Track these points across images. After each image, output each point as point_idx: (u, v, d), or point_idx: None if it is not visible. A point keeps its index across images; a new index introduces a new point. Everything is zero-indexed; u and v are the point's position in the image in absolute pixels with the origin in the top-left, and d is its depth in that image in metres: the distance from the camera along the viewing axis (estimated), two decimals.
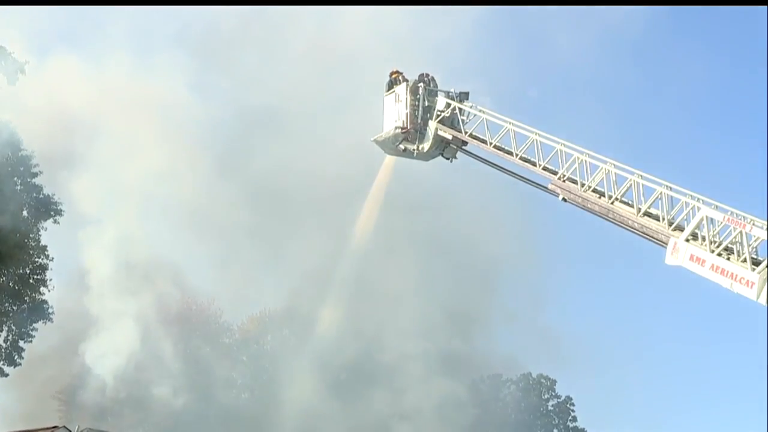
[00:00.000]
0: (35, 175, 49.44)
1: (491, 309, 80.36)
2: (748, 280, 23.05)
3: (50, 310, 49.90)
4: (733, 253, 23.79)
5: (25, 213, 49.16)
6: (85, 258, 54.40)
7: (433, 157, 34.09)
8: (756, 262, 23.10)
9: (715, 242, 24.25)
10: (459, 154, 33.66)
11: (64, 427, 34.63)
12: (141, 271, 51.69)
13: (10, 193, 47.36)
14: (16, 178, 48.67)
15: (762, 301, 22.47)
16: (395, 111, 33.51)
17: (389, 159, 36.22)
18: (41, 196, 49.64)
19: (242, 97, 62.45)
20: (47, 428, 33.49)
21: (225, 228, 57.67)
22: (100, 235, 53.50)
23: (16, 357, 49.61)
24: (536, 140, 29.42)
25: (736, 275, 23.41)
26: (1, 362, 49.34)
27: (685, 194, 25.48)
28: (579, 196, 28.00)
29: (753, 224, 23.50)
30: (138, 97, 56.48)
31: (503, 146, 30.65)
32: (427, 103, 33.21)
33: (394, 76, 34.12)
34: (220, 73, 61.82)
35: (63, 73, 54.65)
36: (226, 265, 58.41)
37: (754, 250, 23.42)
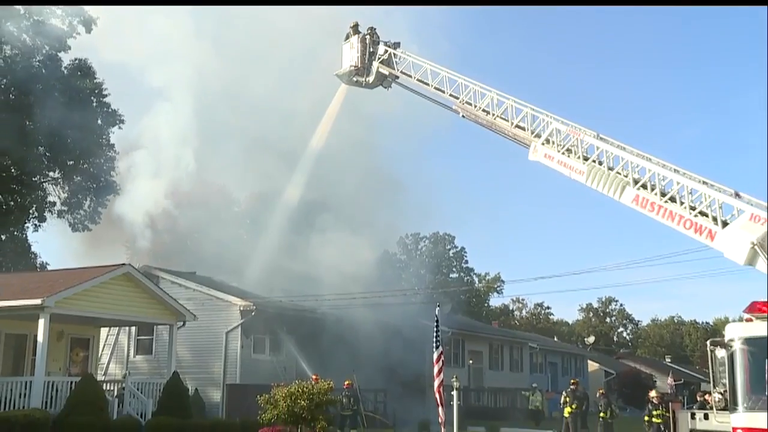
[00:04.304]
0: (105, 95, 50.14)
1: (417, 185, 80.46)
2: (580, 170, 23.81)
3: (118, 188, 50.86)
4: (572, 152, 24.43)
5: (99, 121, 49.99)
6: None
7: (376, 87, 34.36)
8: (585, 158, 23.86)
9: (561, 145, 24.82)
10: (394, 85, 33.97)
11: (129, 264, 34.92)
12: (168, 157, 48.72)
13: (89, 109, 48.38)
14: (92, 98, 49.55)
15: (588, 183, 23.31)
16: (350, 54, 33.89)
17: (343, 87, 36.67)
18: (109, 110, 50.48)
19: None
20: (117, 265, 33.80)
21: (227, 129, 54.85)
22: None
23: (96, 218, 50.98)
24: (445, 76, 29.57)
25: (573, 167, 24.08)
26: (87, 221, 50.75)
27: (542, 113, 25.97)
28: (473, 114, 28.28)
29: (585, 133, 24.23)
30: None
31: (423, 79, 30.82)
32: (372, 49, 33.38)
33: (352, 28, 34.31)
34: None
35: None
36: (225, 155, 55.84)
37: (585, 150, 24.13)
